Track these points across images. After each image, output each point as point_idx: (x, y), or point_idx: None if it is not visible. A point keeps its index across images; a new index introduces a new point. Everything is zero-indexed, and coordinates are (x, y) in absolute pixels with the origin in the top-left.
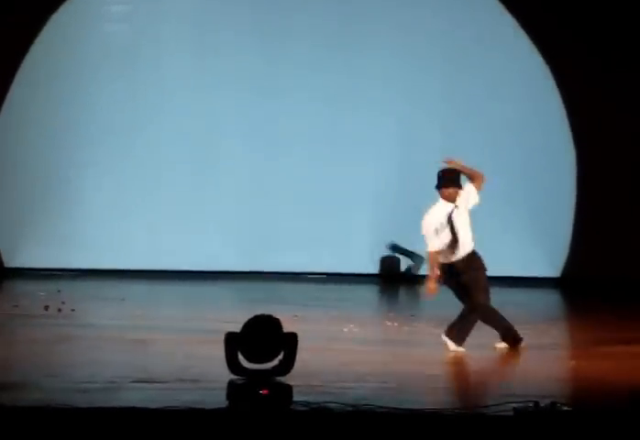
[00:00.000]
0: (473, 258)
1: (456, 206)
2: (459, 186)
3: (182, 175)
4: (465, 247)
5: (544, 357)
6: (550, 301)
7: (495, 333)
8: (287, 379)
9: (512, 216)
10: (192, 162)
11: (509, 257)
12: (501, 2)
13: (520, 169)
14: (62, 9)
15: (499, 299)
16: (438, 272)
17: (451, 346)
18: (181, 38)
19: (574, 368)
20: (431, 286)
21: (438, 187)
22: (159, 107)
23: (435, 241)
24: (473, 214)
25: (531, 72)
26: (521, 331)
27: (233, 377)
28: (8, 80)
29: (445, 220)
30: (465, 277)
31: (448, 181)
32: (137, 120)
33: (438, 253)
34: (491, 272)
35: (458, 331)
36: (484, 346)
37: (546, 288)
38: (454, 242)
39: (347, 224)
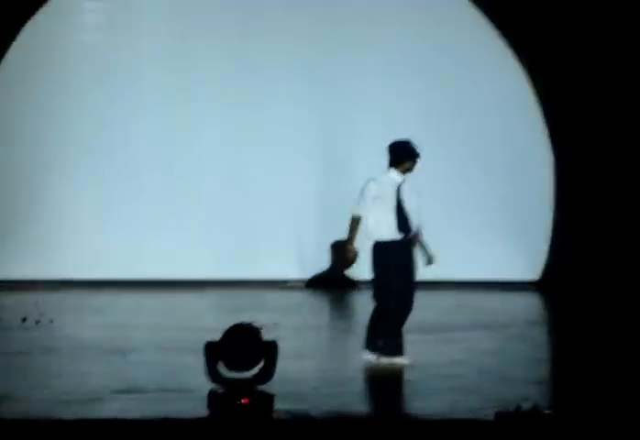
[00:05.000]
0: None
1: (404, 181)
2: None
3: (161, 184)
4: (410, 226)
5: (524, 361)
6: (529, 303)
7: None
8: (268, 388)
9: (490, 220)
10: (170, 171)
11: (488, 260)
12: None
13: (498, 171)
14: (37, 17)
15: (478, 302)
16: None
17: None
18: (157, 46)
19: (555, 372)
20: (351, 248)
21: (402, 159)
22: (135, 116)
23: (365, 204)
24: (451, 217)
25: (507, 73)
26: (501, 334)
27: (214, 386)
28: None
29: (392, 189)
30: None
31: (413, 152)
32: (114, 129)
33: (358, 222)
34: (470, 276)
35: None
36: (468, 349)
37: (525, 291)
38: (398, 215)
39: (331, 231)
